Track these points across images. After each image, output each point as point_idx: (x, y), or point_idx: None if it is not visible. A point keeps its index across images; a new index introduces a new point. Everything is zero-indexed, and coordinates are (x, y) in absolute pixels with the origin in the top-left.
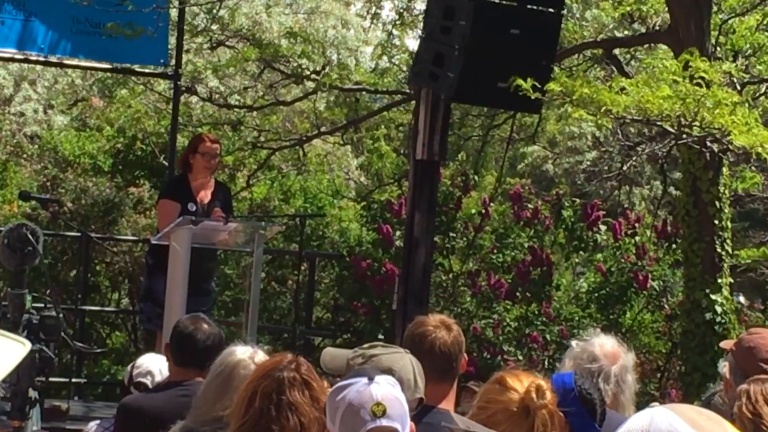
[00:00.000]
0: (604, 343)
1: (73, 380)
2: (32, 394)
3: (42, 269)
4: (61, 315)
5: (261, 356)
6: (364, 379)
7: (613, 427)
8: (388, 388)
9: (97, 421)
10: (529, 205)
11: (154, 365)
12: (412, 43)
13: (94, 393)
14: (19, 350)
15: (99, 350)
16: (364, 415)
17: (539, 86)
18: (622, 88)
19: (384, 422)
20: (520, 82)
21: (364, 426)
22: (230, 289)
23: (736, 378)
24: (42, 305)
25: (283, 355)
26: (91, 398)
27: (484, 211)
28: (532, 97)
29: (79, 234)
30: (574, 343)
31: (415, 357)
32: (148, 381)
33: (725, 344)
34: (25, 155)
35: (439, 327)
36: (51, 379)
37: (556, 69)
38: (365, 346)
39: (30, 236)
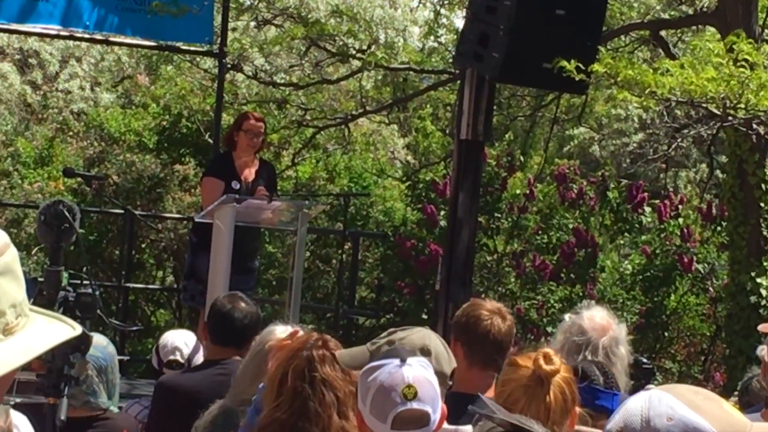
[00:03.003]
0: (593, 316)
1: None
2: (68, 371)
3: (80, 246)
4: (97, 292)
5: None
6: (396, 361)
7: None
8: (420, 370)
9: (137, 400)
10: (574, 186)
11: (179, 339)
12: (460, 22)
13: (137, 371)
14: (66, 332)
15: (135, 328)
16: (395, 397)
17: (584, 67)
18: (667, 70)
19: (415, 405)
20: (564, 63)
21: (395, 408)
22: (275, 268)
23: None
24: (78, 282)
25: (309, 334)
26: (135, 376)
27: (528, 191)
28: (577, 78)
29: (123, 211)
30: (566, 316)
31: (466, 340)
32: (178, 356)
33: (763, 327)
34: (71, 132)
35: (495, 313)
36: None
37: (602, 50)
38: (382, 335)
39: (66, 213)
